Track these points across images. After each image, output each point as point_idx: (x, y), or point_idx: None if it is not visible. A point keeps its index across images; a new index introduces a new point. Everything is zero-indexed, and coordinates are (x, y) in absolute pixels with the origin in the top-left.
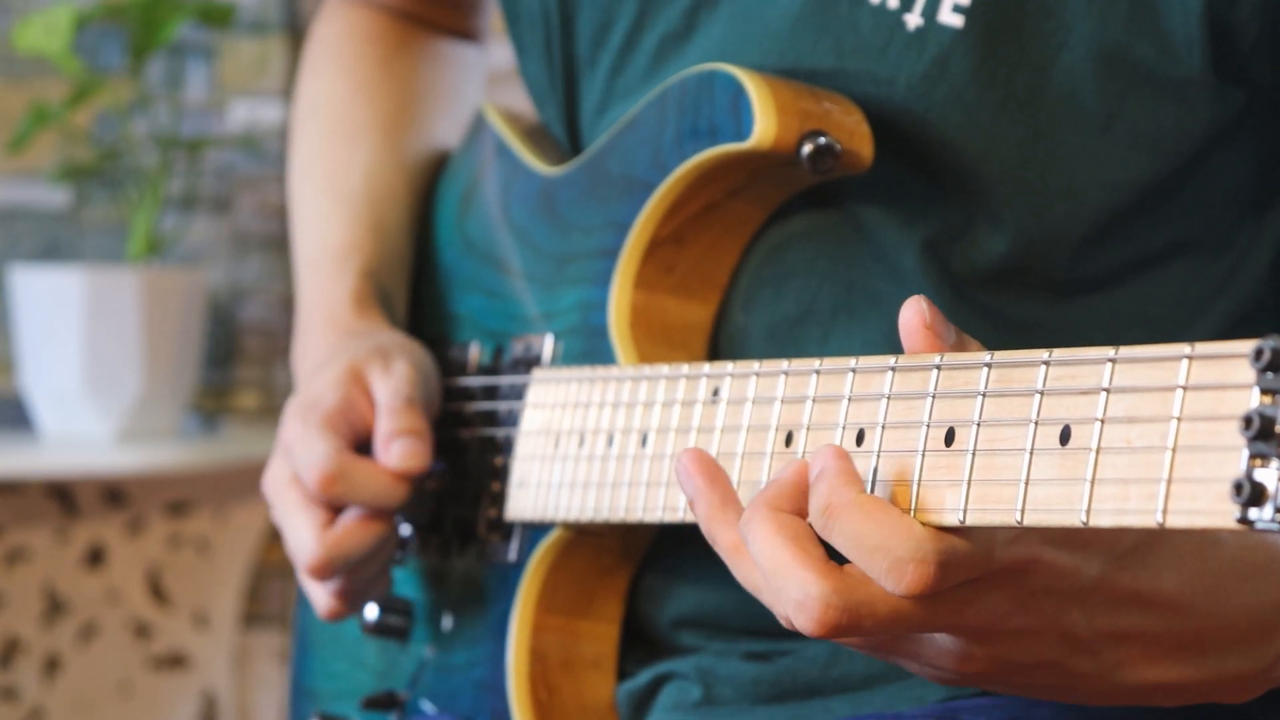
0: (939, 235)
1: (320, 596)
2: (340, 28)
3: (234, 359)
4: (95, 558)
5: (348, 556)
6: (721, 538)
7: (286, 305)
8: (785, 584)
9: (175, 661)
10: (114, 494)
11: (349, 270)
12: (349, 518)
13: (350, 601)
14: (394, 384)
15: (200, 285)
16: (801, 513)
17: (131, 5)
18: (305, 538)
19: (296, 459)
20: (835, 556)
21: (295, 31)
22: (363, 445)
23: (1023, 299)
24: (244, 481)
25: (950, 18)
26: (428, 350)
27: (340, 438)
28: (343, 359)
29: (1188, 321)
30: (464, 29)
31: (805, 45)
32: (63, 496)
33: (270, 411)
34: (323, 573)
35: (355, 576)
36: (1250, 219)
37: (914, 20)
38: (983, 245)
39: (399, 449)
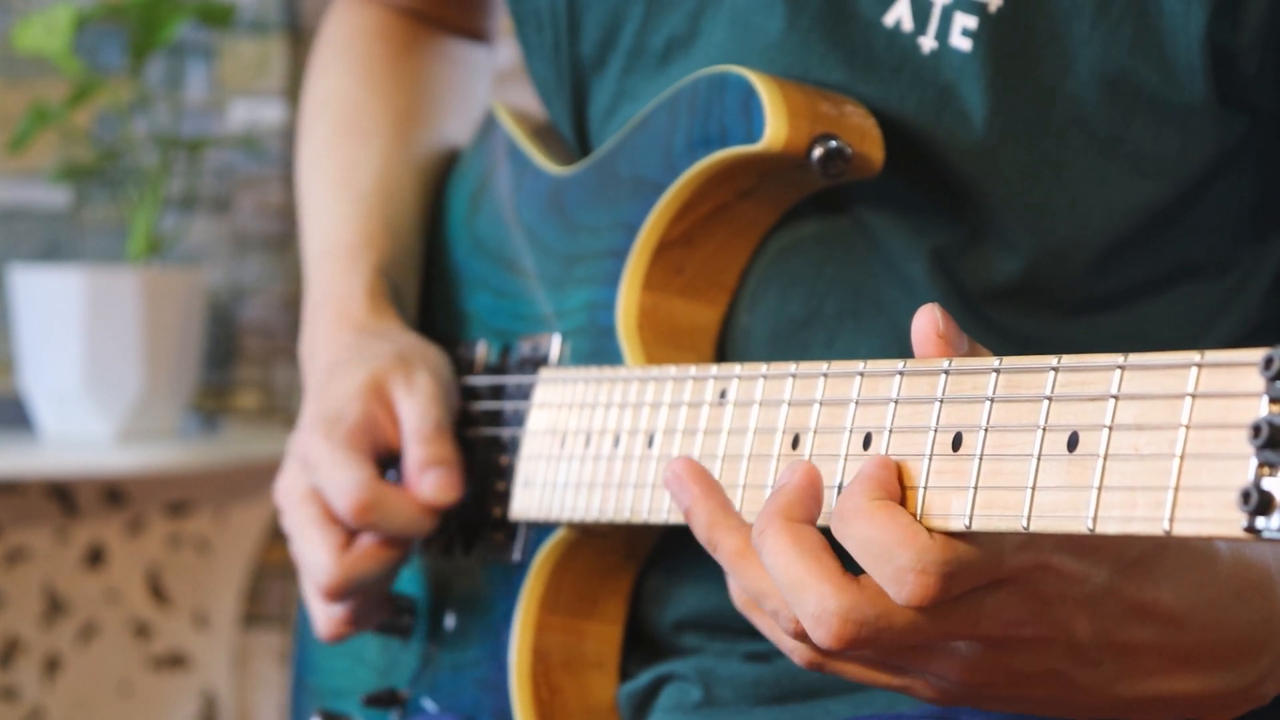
0: (947, 247)
1: (324, 619)
2: (350, 26)
3: (234, 359)
4: (95, 558)
5: (364, 579)
6: (724, 544)
7: (287, 305)
8: (803, 598)
9: (175, 661)
10: (114, 494)
11: (362, 265)
12: (368, 540)
13: (354, 624)
14: (421, 403)
15: (200, 285)
16: (812, 520)
17: (131, 5)
18: (322, 558)
19: (323, 481)
20: (851, 565)
21: (295, 31)
22: (383, 460)
23: (1029, 316)
24: (244, 481)
25: (960, 41)
26: (444, 353)
27: (367, 458)
28: (362, 368)
29: (1192, 341)
30: (473, 29)
31: (814, 59)
32: (63, 496)
33: (270, 411)
34: (337, 594)
35: (363, 598)
36: (1253, 241)
37: (929, 44)
38: (990, 262)
39: (433, 482)
